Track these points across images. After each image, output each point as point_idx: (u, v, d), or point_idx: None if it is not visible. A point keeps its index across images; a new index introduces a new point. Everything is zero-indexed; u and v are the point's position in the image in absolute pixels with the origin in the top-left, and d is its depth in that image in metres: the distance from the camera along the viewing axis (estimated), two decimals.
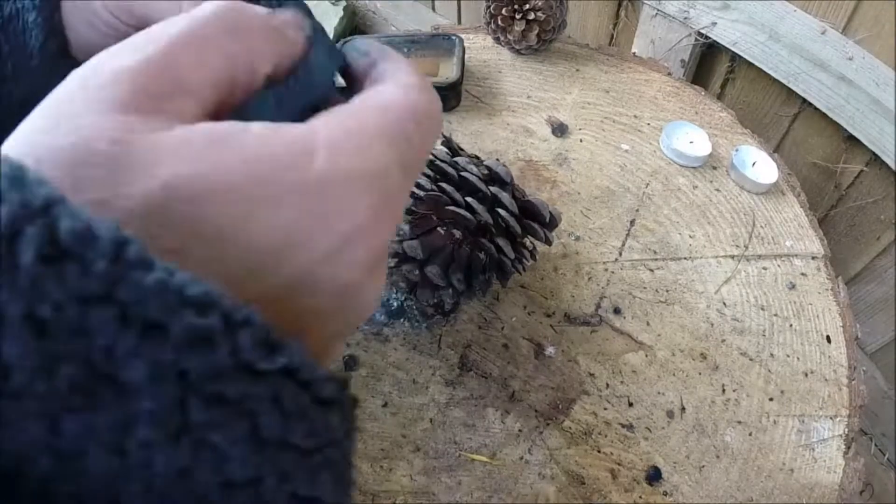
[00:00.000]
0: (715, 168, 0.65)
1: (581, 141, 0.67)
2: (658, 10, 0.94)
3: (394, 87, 0.19)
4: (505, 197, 0.45)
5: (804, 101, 0.85)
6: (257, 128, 0.16)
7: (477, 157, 0.49)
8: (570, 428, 0.47)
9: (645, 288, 0.56)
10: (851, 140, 0.84)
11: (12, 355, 0.11)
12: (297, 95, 0.20)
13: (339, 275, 0.17)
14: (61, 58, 0.26)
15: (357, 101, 0.18)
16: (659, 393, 0.49)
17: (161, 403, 0.12)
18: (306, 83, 0.21)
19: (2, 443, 0.11)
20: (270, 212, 0.15)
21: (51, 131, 0.15)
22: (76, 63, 0.27)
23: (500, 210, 0.44)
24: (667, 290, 0.56)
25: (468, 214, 0.44)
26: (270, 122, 0.17)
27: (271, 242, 0.15)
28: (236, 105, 0.18)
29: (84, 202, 0.13)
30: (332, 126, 0.17)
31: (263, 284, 0.15)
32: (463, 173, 0.45)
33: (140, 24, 0.25)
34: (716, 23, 0.88)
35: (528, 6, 0.71)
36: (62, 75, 0.27)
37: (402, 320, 0.53)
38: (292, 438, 0.14)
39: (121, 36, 0.26)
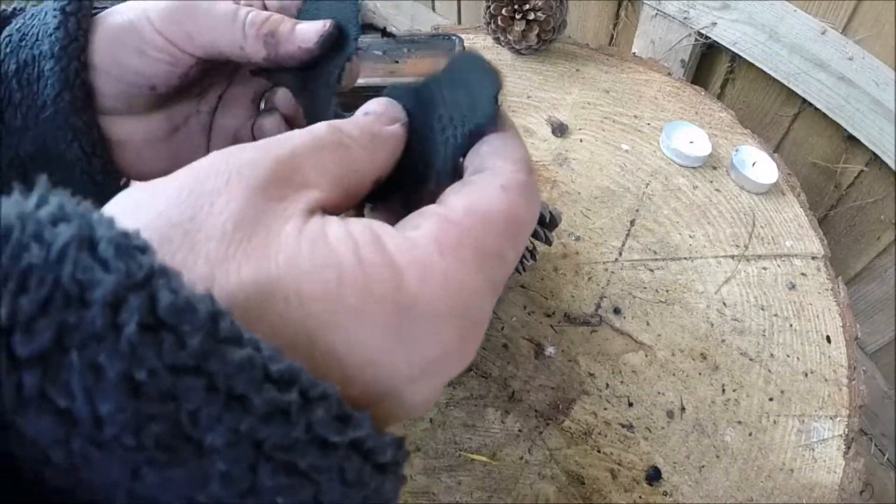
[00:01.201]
0: (715, 168, 0.65)
1: (581, 141, 0.67)
2: (658, 10, 0.94)
3: (500, 188, 0.18)
4: None
5: (804, 101, 0.85)
6: (363, 239, 0.16)
7: None
8: (570, 428, 0.47)
9: (645, 288, 0.56)
10: (851, 140, 0.84)
11: (106, 411, 0.11)
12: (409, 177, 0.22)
13: (420, 396, 0.17)
14: (77, 111, 0.25)
15: (459, 206, 0.18)
16: (659, 393, 0.49)
17: (234, 466, 0.12)
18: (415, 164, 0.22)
19: (87, 476, 0.12)
20: (356, 323, 0.15)
21: (180, 201, 0.16)
22: (92, 118, 0.27)
23: None
24: (667, 290, 0.56)
25: None
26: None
27: (355, 355, 0.15)
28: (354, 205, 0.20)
29: (195, 273, 0.14)
30: (428, 242, 0.16)
31: (345, 390, 0.15)
32: None
33: (198, 52, 0.25)
34: (716, 23, 0.88)
35: (528, 6, 0.71)
36: (76, 130, 0.27)
37: None
38: None
39: (176, 62, 0.26)
